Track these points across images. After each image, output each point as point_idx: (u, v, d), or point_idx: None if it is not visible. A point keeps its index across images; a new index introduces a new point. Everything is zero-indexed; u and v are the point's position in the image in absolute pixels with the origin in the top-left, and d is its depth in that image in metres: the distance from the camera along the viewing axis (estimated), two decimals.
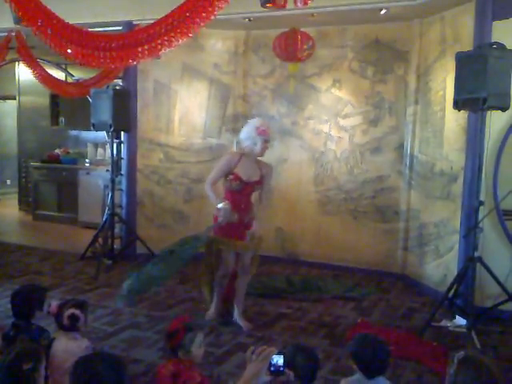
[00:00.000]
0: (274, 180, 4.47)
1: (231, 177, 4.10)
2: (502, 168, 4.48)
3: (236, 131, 6.51)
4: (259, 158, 4.20)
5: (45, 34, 3.95)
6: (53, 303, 2.85)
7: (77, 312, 2.78)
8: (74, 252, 6.38)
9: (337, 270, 5.86)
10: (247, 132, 4.13)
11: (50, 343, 2.73)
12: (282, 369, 1.93)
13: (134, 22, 5.78)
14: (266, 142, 4.11)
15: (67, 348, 2.73)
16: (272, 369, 1.91)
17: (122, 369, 1.79)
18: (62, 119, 8.82)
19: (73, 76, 7.30)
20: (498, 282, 4.18)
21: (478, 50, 4.11)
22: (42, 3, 3.90)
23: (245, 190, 4.14)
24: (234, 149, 6.52)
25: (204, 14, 3.52)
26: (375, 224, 5.92)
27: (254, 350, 1.95)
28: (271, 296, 5.00)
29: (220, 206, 3.97)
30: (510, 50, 3.94)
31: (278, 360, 1.93)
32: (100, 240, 6.17)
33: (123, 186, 6.31)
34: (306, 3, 3.52)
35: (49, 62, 7.10)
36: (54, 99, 8.70)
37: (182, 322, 2.60)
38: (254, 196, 4.27)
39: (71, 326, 2.78)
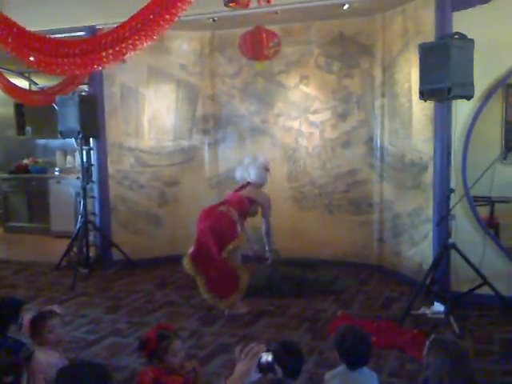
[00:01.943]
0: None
1: (254, 207, 4.95)
2: (469, 155, 4.58)
3: (207, 132, 6.52)
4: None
5: (5, 43, 3.87)
6: (25, 319, 2.80)
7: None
8: (49, 262, 6.28)
9: (315, 265, 5.89)
10: (259, 170, 4.98)
11: (29, 355, 2.68)
12: (271, 366, 1.94)
13: (97, 27, 5.70)
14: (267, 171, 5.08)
15: (48, 359, 2.69)
16: (261, 366, 1.92)
17: (106, 377, 1.77)
18: (28, 128, 8.64)
19: (37, 84, 7.18)
20: (473, 267, 4.27)
21: (439, 40, 4.19)
22: (2, 13, 3.82)
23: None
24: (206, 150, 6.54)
25: (168, 16, 3.49)
26: (350, 217, 5.98)
27: (242, 348, 1.96)
28: (252, 294, 5.01)
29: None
30: (471, 39, 4.02)
31: (267, 357, 1.93)
32: (75, 249, 6.08)
33: (95, 192, 6.23)
34: (269, 1, 3.53)
35: (11, 71, 6.96)
36: (19, 108, 8.51)
37: (155, 331, 2.59)
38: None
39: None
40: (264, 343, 2.10)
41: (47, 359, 2.69)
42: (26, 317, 2.83)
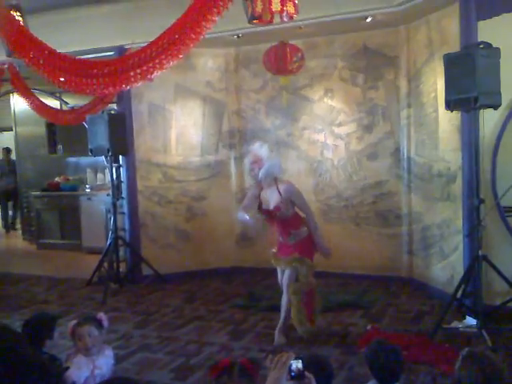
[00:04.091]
0: (299, 195, 4.32)
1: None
2: (498, 165, 4.51)
3: (233, 146, 6.58)
4: (280, 179, 4.30)
5: (37, 65, 4.00)
6: (69, 324, 2.89)
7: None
8: (80, 278, 6.39)
9: (343, 278, 5.85)
10: None
11: (62, 370, 2.74)
12: (302, 372, 1.94)
13: (126, 47, 5.84)
14: (251, 163, 4.26)
15: (77, 365, 2.77)
16: (292, 374, 1.92)
17: None
18: (59, 147, 8.87)
19: (67, 104, 7.37)
20: (505, 279, 4.18)
21: (465, 50, 4.16)
22: (33, 35, 3.96)
23: (270, 218, 4.30)
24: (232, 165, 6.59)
25: (193, 35, 3.57)
26: (378, 229, 5.92)
27: (272, 357, 1.96)
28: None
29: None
30: (496, 48, 3.99)
31: (297, 364, 1.93)
32: (106, 264, 6.17)
33: (125, 208, 6.34)
34: (291, 17, 3.56)
35: (43, 91, 7.17)
36: (51, 127, 8.76)
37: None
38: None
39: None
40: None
41: (78, 364, 2.79)
42: (71, 322, 2.91)
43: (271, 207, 4.20)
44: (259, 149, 4.29)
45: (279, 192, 4.18)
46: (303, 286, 4.22)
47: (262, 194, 4.28)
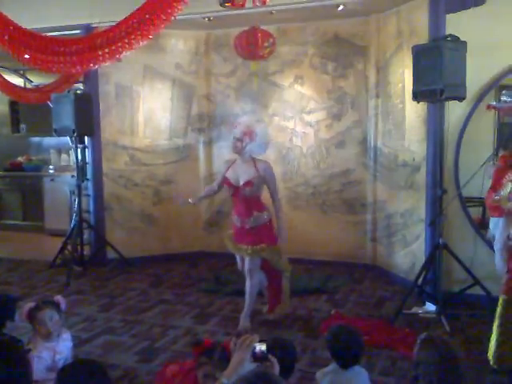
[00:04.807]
0: (274, 178, 4.24)
1: (223, 182, 4.27)
2: (461, 156, 4.63)
3: (202, 131, 6.54)
4: (257, 158, 4.18)
5: (1, 41, 3.88)
6: (24, 307, 2.84)
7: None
8: (43, 260, 6.28)
9: (309, 264, 5.93)
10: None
11: (24, 353, 2.70)
12: (265, 355, 1.97)
13: (93, 25, 5.71)
14: (234, 138, 4.12)
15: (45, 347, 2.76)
16: (256, 356, 1.95)
17: (103, 375, 1.80)
18: (22, 126, 8.62)
19: (32, 82, 7.16)
20: (464, 267, 4.32)
21: (433, 42, 4.23)
22: None
23: (237, 194, 4.17)
24: (201, 149, 6.56)
25: (163, 16, 3.53)
26: (344, 217, 6.02)
27: (236, 340, 1.99)
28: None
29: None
30: (463, 41, 4.07)
31: (261, 347, 1.96)
32: (69, 247, 6.08)
33: (90, 191, 6.24)
34: (264, 2, 3.56)
35: (6, 68, 6.93)
36: (14, 106, 8.50)
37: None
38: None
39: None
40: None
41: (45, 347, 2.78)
42: (27, 305, 2.86)
43: (241, 183, 4.12)
44: (252, 122, 4.21)
45: (256, 168, 4.12)
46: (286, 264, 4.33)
47: (229, 170, 4.20)
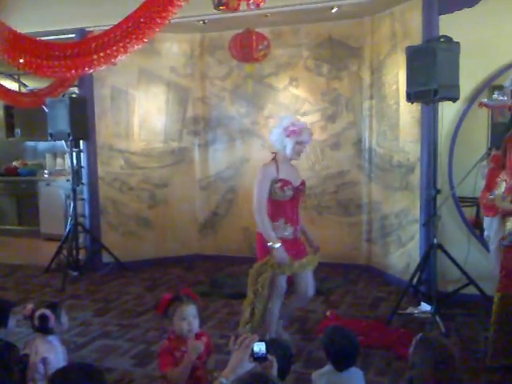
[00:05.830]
0: None
1: (279, 184, 3.59)
2: (455, 156, 4.65)
3: (197, 133, 6.54)
4: (293, 163, 3.79)
5: None
6: (28, 306, 2.86)
7: (47, 312, 2.78)
8: (38, 265, 6.27)
9: None
10: (276, 134, 3.66)
11: (21, 358, 2.70)
12: (264, 355, 1.97)
13: (88, 30, 5.71)
14: (299, 143, 3.63)
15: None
16: (255, 355, 1.95)
17: (99, 379, 1.79)
18: (17, 130, 8.62)
19: (26, 86, 7.15)
20: (459, 267, 4.34)
21: (426, 43, 4.26)
22: None
23: (296, 198, 3.68)
24: (196, 152, 6.56)
25: (158, 20, 3.52)
26: (339, 218, 6.03)
27: (235, 340, 1.99)
28: (240, 296, 5.03)
29: (277, 246, 3.53)
30: (456, 42, 4.09)
31: (260, 347, 1.96)
32: (64, 251, 6.07)
33: (85, 195, 6.23)
34: (258, 5, 3.56)
35: (1, 72, 6.94)
36: (8, 110, 8.50)
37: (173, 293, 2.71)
38: None
39: (42, 328, 2.79)
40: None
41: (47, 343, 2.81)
42: (29, 306, 2.88)
43: (298, 183, 3.71)
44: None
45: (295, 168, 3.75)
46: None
47: (281, 170, 3.65)
